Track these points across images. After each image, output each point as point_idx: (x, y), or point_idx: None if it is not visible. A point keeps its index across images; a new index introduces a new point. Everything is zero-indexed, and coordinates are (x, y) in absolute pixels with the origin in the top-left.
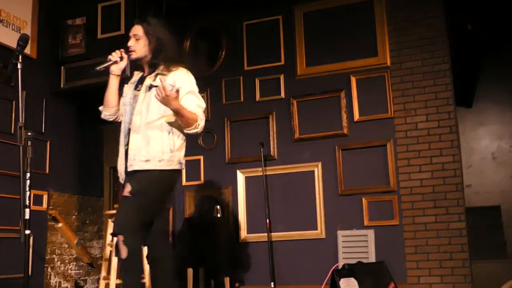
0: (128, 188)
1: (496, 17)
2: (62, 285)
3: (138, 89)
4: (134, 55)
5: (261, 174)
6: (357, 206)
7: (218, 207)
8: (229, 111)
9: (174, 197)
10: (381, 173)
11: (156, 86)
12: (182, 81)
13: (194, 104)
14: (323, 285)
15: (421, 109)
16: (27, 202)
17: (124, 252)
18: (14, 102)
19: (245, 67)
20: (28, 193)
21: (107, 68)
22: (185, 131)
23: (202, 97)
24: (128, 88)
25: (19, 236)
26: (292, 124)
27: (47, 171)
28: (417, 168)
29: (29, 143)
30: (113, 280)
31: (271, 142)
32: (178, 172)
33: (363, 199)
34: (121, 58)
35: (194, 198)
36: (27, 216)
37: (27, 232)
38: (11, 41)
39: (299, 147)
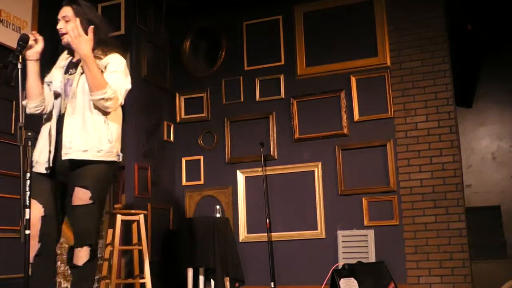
0: (83, 194)
1: (496, 17)
2: (62, 285)
3: (70, 73)
4: (66, 38)
5: (261, 174)
6: (357, 206)
7: (218, 207)
8: (229, 111)
9: (175, 197)
10: (381, 173)
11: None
12: (113, 62)
13: (116, 83)
14: (323, 285)
15: (421, 109)
16: (27, 202)
17: (82, 260)
18: (14, 102)
19: (245, 67)
20: (28, 193)
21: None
22: (91, 96)
23: (201, 97)
24: (57, 72)
25: (19, 236)
26: (292, 124)
27: None
28: (417, 168)
29: (29, 143)
30: (113, 280)
31: (271, 142)
32: (116, 165)
33: (363, 199)
34: (36, 41)
35: (194, 198)
36: (27, 216)
37: (27, 232)
38: (11, 41)
39: (299, 147)
